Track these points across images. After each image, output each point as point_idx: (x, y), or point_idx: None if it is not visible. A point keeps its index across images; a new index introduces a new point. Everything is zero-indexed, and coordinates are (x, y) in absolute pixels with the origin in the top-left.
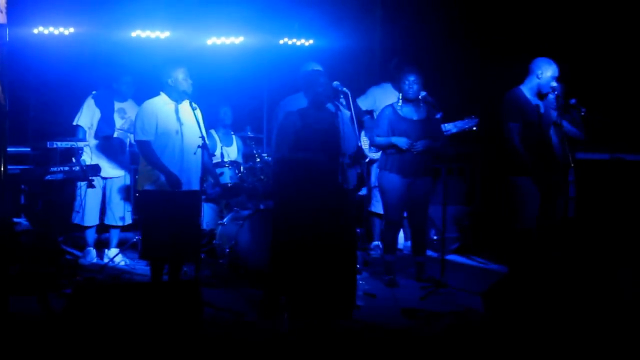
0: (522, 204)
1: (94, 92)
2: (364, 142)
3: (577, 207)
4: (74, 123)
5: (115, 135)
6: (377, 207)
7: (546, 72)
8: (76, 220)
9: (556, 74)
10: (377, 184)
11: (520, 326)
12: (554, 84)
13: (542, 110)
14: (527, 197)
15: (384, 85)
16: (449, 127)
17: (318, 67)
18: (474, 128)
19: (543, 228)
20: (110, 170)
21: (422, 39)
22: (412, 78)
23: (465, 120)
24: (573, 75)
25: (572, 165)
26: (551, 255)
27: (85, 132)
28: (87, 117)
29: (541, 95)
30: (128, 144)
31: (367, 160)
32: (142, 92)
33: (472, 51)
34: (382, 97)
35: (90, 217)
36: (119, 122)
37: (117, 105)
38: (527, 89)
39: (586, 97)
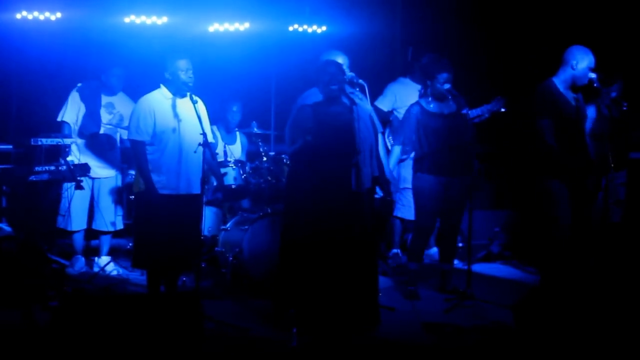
0: (556, 210)
1: (79, 85)
2: (389, 142)
3: (628, 211)
4: (59, 119)
5: (102, 130)
6: (402, 211)
7: (582, 62)
8: (61, 225)
9: (592, 64)
10: (404, 186)
11: (555, 343)
12: (592, 75)
13: (576, 104)
14: (561, 202)
15: (402, 80)
16: (477, 112)
17: (340, 57)
18: (502, 109)
19: (576, 235)
20: (98, 169)
21: (447, 24)
22: (445, 76)
23: (492, 102)
24: (611, 67)
25: (612, 165)
26: (589, 265)
27: (71, 128)
28: (73, 112)
29: (575, 88)
30: (119, 140)
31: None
32: (139, 85)
33: (502, 37)
34: (403, 94)
35: (78, 221)
36: (106, 117)
37: (105, 99)
38: (560, 81)
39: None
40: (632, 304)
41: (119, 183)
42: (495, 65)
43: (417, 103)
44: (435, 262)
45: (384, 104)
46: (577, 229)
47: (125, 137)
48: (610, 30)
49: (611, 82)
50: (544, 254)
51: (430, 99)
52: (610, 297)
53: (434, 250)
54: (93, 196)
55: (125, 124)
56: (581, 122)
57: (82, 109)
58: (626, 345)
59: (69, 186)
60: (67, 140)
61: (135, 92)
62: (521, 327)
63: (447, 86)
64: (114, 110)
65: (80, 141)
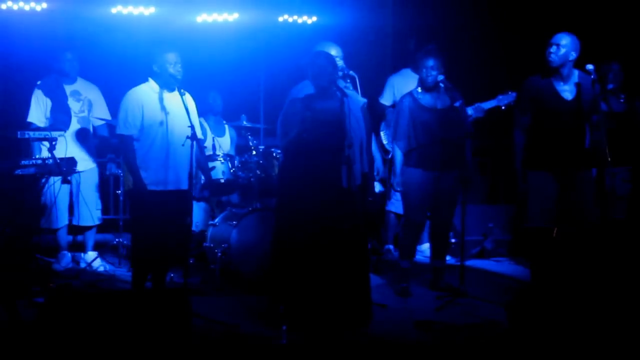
0: (528, 199)
1: (38, 82)
2: (384, 137)
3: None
4: (27, 120)
5: (75, 121)
6: (397, 205)
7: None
8: (45, 224)
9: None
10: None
11: (549, 341)
12: (590, 66)
13: (577, 93)
14: (534, 192)
15: (403, 71)
16: (491, 104)
17: (333, 49)
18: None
19: (568, 229)
20: (78, 162)
21: (441, 14)
22: (430, 64)
23: (508, 94)
24: (611, 57)
25: (610, 159)
26: (582, 262)
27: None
28: (39, 111)
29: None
30: (92, 131)
31: (389, 156)
32: (125, 77)
33: (497, 28)
34: (402, 86)
35: (61, 218)
36: (76, 106)
37: (69, 88)
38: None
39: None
40: (628, 301)
41: (97, 175)
42: (491, 56)
43: (409, 94)
44: (427, 258)
45: (385, 98)
46: (567, 223)
47: (97, 124)
48: (609, 22)
49: (606, 72)
50: (525, 245)
51: (421, 90)
52: (606, 295)
53: (426, 246)
54: (72, 190)
55: (94, 109)
56: (575, 113)
57: (49, 104)
58: (621, 343)
59: (54, 181)
60: (55, 134)
61: (122, 84)
62: (514, 325)
63: (440, 77)
64: (81, 97)
65: (69, 132)
